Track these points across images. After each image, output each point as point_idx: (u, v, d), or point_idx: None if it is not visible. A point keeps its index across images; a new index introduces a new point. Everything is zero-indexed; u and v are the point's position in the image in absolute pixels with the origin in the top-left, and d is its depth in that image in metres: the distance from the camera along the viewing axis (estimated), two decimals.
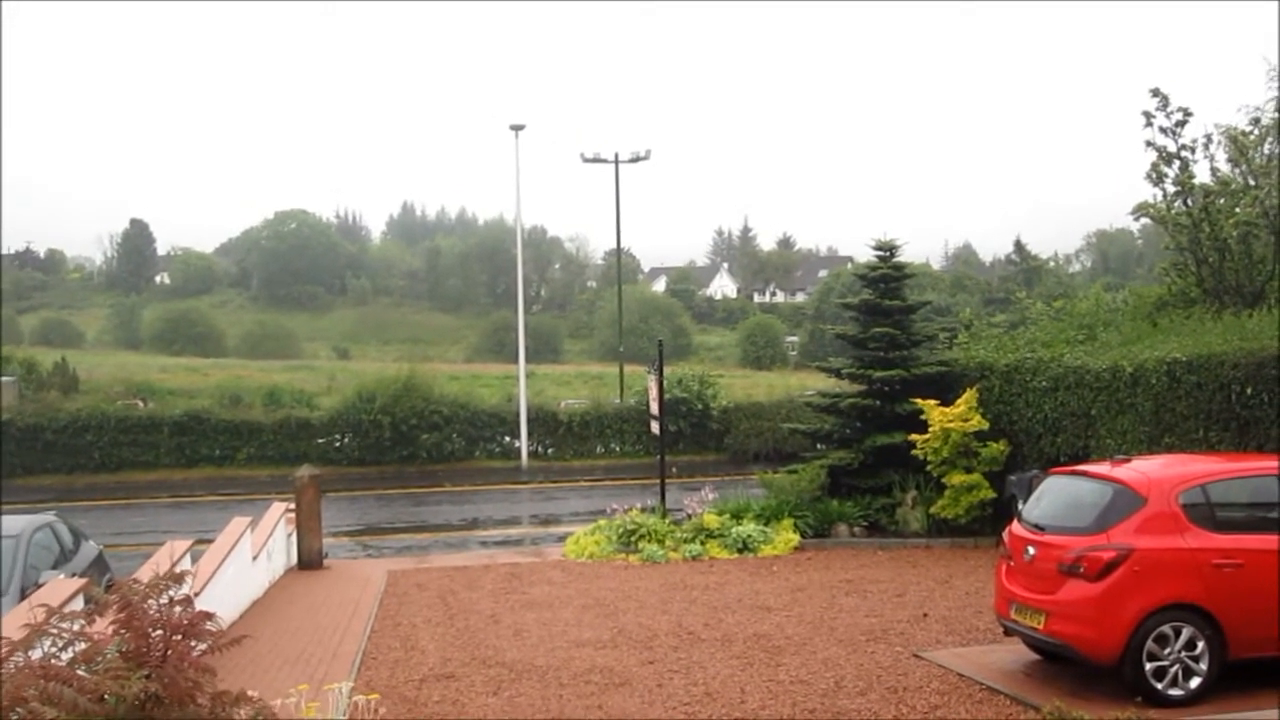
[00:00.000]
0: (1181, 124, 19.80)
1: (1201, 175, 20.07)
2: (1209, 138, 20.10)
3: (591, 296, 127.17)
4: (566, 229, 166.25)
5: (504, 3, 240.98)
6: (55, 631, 5.28)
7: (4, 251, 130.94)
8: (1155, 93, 19.81)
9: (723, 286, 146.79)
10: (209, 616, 5.46)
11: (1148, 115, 19.95)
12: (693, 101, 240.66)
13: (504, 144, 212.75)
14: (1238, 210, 19.32)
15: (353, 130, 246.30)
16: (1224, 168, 20.35)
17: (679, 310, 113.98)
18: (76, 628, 5.39)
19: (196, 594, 11.99)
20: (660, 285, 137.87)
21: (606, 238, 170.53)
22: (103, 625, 5.57)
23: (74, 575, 12.55)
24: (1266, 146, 20.46)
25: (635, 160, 50.38)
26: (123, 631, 5.23)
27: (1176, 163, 19.92)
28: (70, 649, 5.29)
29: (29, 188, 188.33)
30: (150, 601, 5.34)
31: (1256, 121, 20.58)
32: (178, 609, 5.40)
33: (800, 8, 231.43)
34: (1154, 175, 20.19)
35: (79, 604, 8.65)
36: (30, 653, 5.05)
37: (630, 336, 67.54)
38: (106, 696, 4.84)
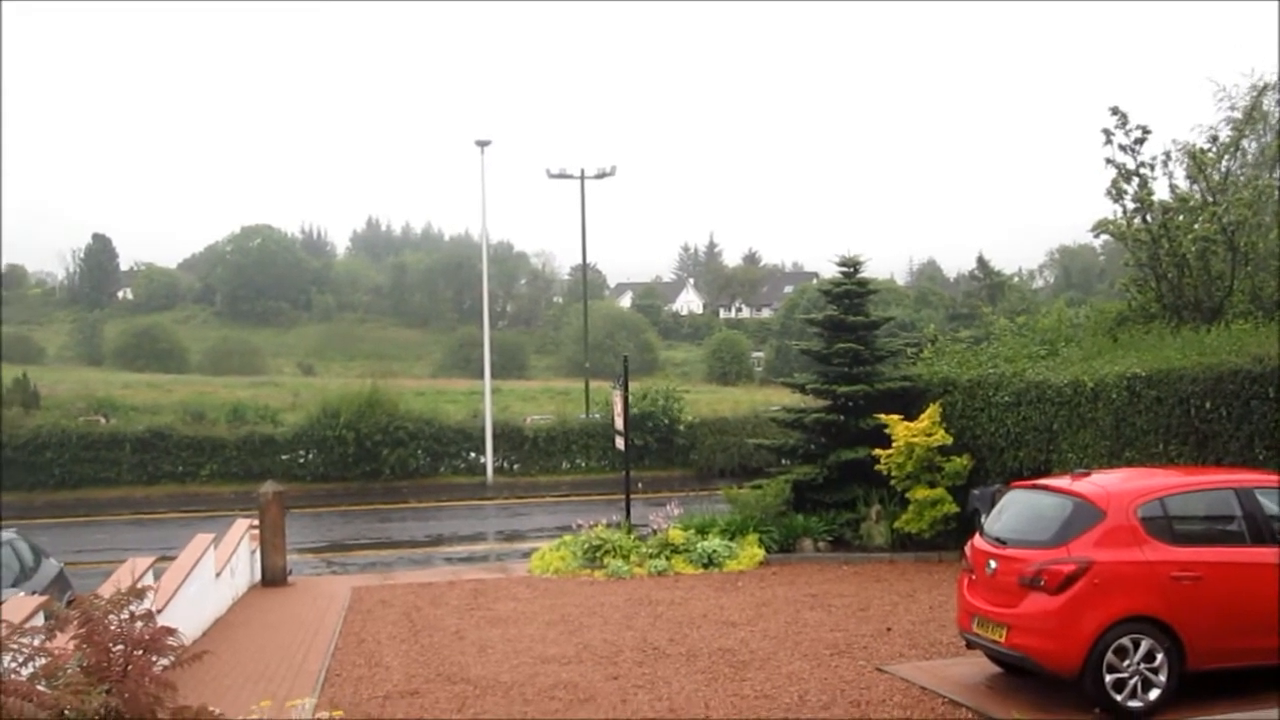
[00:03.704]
0: (1140, 141, 20.03)
1: (1161, 192, 20.33)
2: (1168, 155, 20.37)
3: (557, 312, 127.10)
4: (533, 245, 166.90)
5: (470, 19, 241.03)
6: (15, 647, 5.26)
7: None
8: (1115, 110, 20.05)
9: (689, 302, 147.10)
10: (170, 632, 5.45)
11: (1107, 133, 20.18)
12: (659, 118, 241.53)
13: (470, 160, 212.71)
14: (1196, 226, 19.55)
15: (318, 145, 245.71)
16: (1182, 184, 20.60)
17: (645, 326, 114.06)
18: (37, 643, 5.37)
19: (159, 611, 11.91)
20: (626, 301, 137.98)
21: (573, 253, 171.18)
22: (63, 640, 5.55)
23: (34, 593, 12.48)
24: (1224, 164, 20.73)
25: (601, 176, 50.39)
26: (84, 646, 5.21)
27: (1136, 180, 20.16)
28: (31, 664, 5.27)
29: None
30: (111, 616, 5.33)
31: (1214, 139, 20.86)
32: (139, 624, 5.38)
33: (765, 29, 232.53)
34: (1114, 192, 20.42)
35: (39, 621, 8.58)
36: None
37: (596, 352, 67.64)
38: (67, 711, 4.82)
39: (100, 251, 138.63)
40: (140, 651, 5.20)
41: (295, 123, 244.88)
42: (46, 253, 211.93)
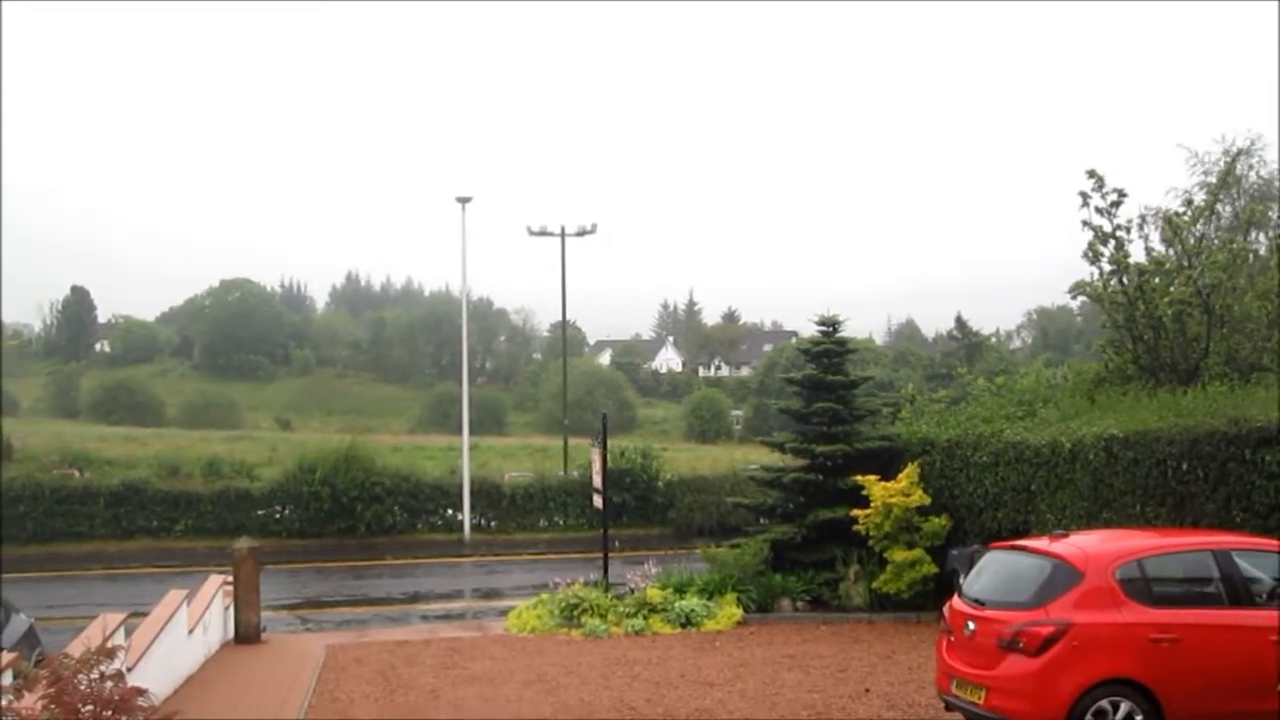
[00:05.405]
0: (1117, 204, 20.22)
1: (1137, 254, 20.50)
2: (1143, 218, 20.56)
3: (537, 369, 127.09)
4: (513, 301, 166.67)
5: (452, 76, 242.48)
6: None
7: None
8: (1091, 174, 20.25)
9: (668, 360, 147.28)
10: (141, 692, 5.37)
11: (1084, 195, 20.36)
12: (640, 177, 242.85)
13: (451, 216, 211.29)
14: (1172, 289, 19.70)
15: (298, 199, 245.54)
16: (1158, 247, 20.78)
17: (624, 383, 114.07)
18: (4, 703, 5.28)
19: (129, 669, 11.76)
20: (606, 358, 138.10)
21: (552, 310, 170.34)
22: (32, 700, 5.46)
23: (3, 649, 12.28)
24: (1199, 227, 20.94)
25: (582, 234, 50.32)
26: (52, 707, 5.13)
27: (1112, 242, 20.32)
28: None
29: None
30: (81, 676, 5.25)
31: (1189, 203, 21.09)
32: (109, 684, 5.31)
33: (744, 88, 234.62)
34: (1091, 254, 20.58)
35: (7, 680, 8.46)
36: None
37: (575, 409, 67.49)
38: None
39: (78, 303, 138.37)
40: (109, 712, 5.13)
41: (276, 177, 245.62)
42: (24, 304, 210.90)
